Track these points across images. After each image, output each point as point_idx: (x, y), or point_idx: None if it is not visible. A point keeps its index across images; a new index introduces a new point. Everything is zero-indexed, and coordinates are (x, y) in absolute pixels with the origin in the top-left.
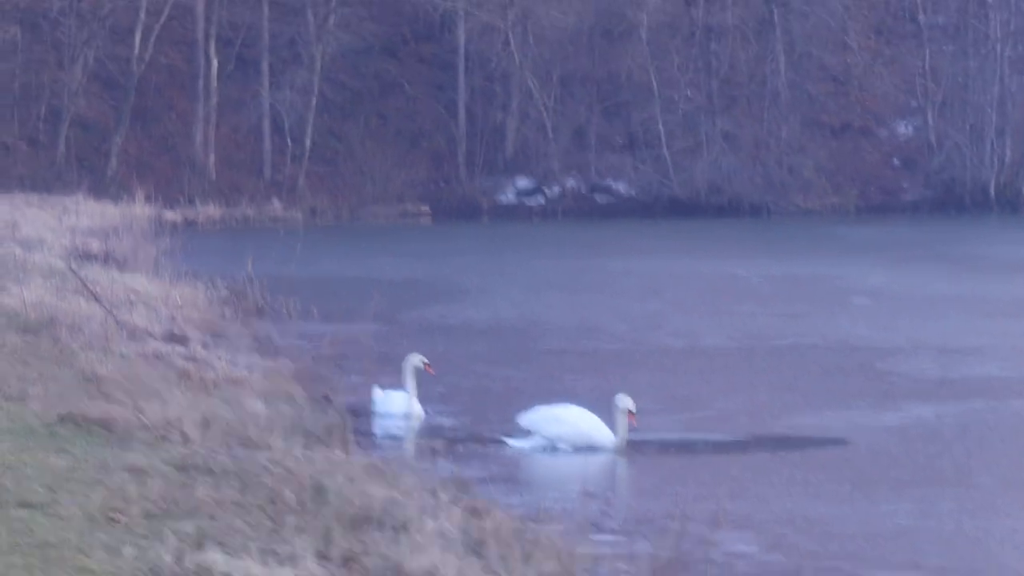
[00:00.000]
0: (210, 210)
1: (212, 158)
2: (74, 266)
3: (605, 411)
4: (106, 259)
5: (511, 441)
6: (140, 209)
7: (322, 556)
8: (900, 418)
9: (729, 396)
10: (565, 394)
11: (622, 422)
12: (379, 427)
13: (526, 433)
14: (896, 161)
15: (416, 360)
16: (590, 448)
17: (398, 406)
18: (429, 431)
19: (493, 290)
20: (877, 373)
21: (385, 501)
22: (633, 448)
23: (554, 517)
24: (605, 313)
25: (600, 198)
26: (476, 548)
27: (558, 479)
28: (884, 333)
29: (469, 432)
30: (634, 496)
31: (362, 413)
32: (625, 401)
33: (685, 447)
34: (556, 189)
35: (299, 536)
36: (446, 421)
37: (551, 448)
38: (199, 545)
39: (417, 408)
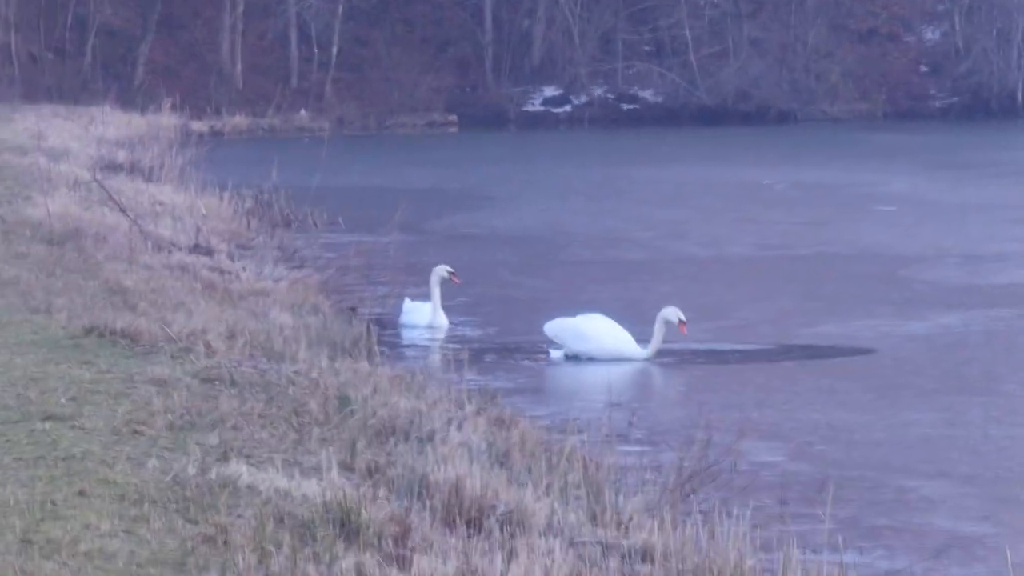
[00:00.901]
0: (237, 119)
1: (239, 67)
2: (99, 177)
3: (631, 321)
4: (132, 169)
5: (551, 352)
6: (166, 119)
7: (347, 467)
8: (926, 326)
9: (754, 305)
10: (590, 304)
11: (659, 333)
12: (405, 338)
13: (556, 344)
14: (923, 67)
15: (442, 271)
16: (617, 359)
17: (424, 317)
18: (455, 341)
19: (519, 199)
20: (902, 281)
21: (410, 412)
22: (659, 358)
23: (580, 428)
24: (630, 222)
25: (627, 106)
26: (501, 459)
27: (584, 390)
28: (909, 240)
29: (495, 342)
30: (660, 406)
31: (388, 324)
32: (673, 313)
33: (711, 357)
34: (583, 97)
35: (324, 447)
36: (472, 332)
37: (578, 359)
38: (223, 457)
39: (443, 319)
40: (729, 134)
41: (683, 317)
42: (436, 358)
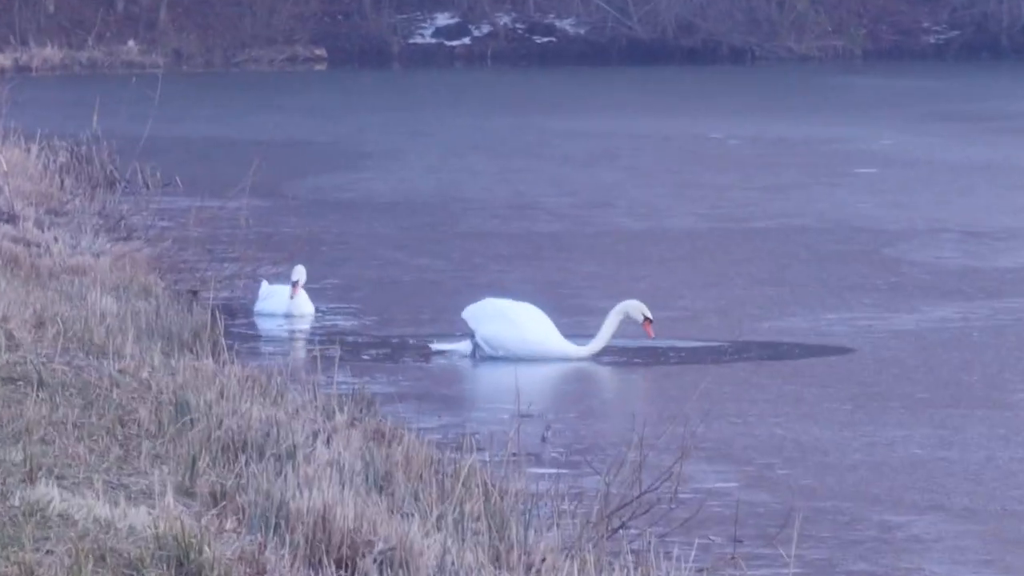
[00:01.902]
0: (48, 52)
1: None
2: None
3: (544, 309)
4: None
5: (436, 346)
6: None
7: (185, 492)
8: (916, 320)
9: (701, 292)
10: (492, 288)
11: (610, 329)
12: (260, 329)
13: (457, 337)
14: None
15: (300, 274)
16: (545, 359)
17: (284, 303)
18: (323, 334)
19: (404, 155)
20: (886, 262)
21: (266, 423)
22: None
23: (480, 444)
24: (545, 185)
25: (540, 39)
26: (381, 483)
27: (487, 396)
28: (896, 211)
29: (373, 335)
30: (582, 417)
31: (238, 312)
32: (637, 308)
33: (645, 356)
34: (485, 27)
35: (156, 466)
36: (344, 322)
37: (487, 356)
38: (29, 477)
39: (305, 305)
40: (669, 76)
41: (649, 314)
42: (299, 355)
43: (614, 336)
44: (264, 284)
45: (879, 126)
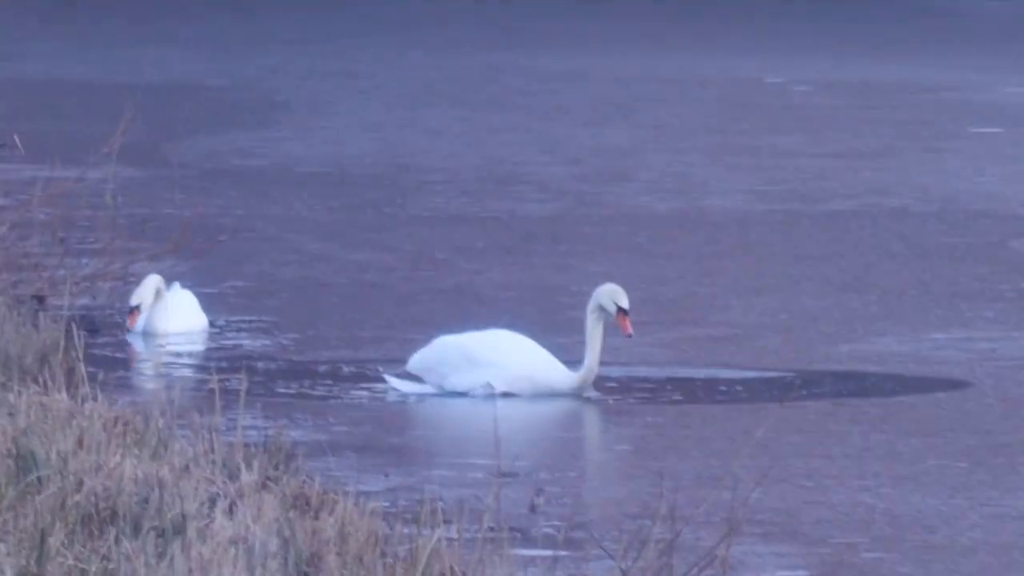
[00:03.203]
0: None
1: None
2: None
3: (534, 328)
4: None
5: (395, 383)
6: None
7: None
8: None
9: (754, 301)
10: (460, 293)
11: (597, 337)
12: (136, 352)
13: (411, 376)
14: None
15: (155, 284)
16: (523, 393)
17: (165, 318)
18: (224, 359)
19: (333, 107)
20: (1016, 261)
21: (144, 484)
22: (590, 390)
23: (448, 515)
24: (532, 150)
25: None
26: (305, 569)
27: (454, 446)
28: None
29: (293, 360)
30: (587, 477)
31: (104, 326)
32: (608, 295)
33: (675, 389)
34: None
35: None
36: (252, 342)
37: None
38: None
39: (196, 319)
40: None
41: (623, 302)
42: (189, 387)
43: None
44: (147, 283)
45: (1006, 68)
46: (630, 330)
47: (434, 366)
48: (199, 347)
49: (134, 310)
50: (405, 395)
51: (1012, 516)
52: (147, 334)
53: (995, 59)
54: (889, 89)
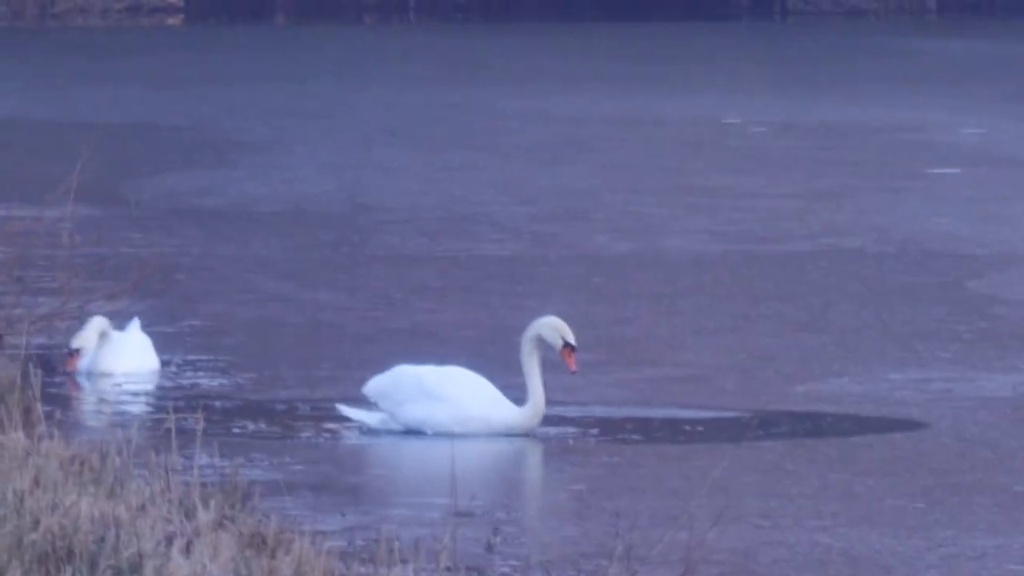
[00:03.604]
0: None
1: None
2: None
3: (488, 368)
4: None
5: (347, 411)
6: None
7: None
8: (1013, 382)
9: (711, 341)
10: (417, 335)
11: (534, 367)
12: (92, 391)
13: (364, 406)
14: None
15: (99, 326)
16: (485, 433)
17: (112, 358)
18: (181, 398)
19: (291, 146)
20: (973, 301)
21: (100, 523)
22: (544, 426)
23: (405, 554)
24: (490, 189)
25: None
26: None
27: (413, 486)
28: (985, 229)
29: (250, 399)
30: (546, 517)
31: (58, 365)
32: (551, 327)
33: (633, 430)
34: None
35: None
36: (210, 380)
37: (409, 430)
38: None
39: (146, 359)
40: (666, 35)
41: (569, 337)
42: (146, 426)
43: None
44: (92, 323)
45: (962, 109)
46: (575, 367)
47: (391, 394)
48: (155, 386)
49: (74, 353)
50: (357, 423)
51: (969, 556)
52: (92, 374)
53: (953, 100)
54: (846, 130)
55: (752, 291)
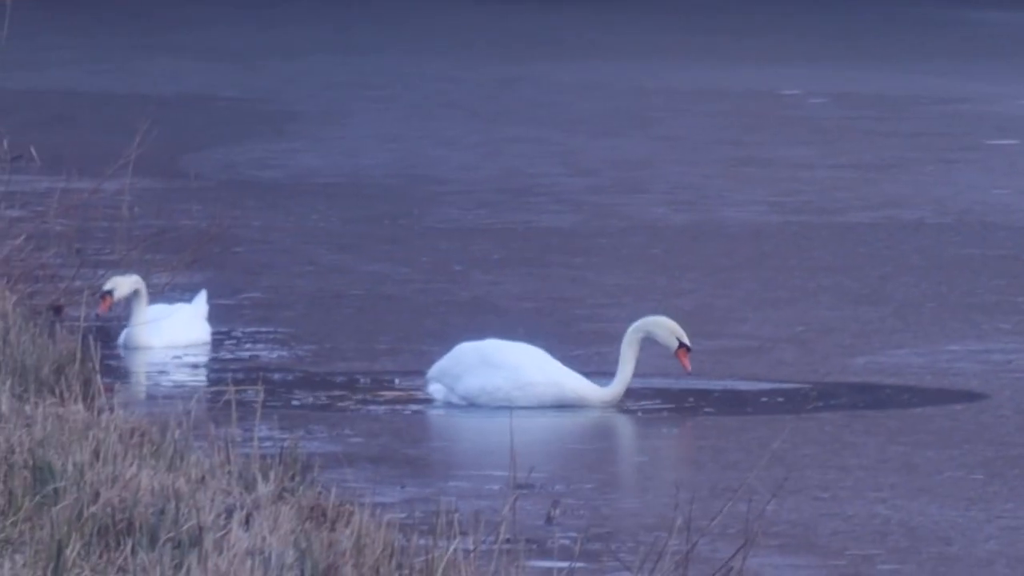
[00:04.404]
0: None
1: None
2: None
3: (550, 340)
4: None
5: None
6: None
7: None
8: None
9: (769, 313)
10: (476, 307)
11: (631, 359)
12: (151, 363)
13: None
14: None
15: (129, 287)
16: (559, 406)
17: (180, 329)
18: (240, 370)
19: (349, 117)
20: None
21: (160, 495)
22: (616, 406)
23: (464, 527)
24: (548, 161)
25: None
26: None
27: (472, 459)
28: None
29: (310, 372)
30: (604, 490)
31: (118, 338)
32: (666, 328)
33: (691, 403)
34: None
35: (6, 556)
36: (269, 353)
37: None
38: None
39: (193, 332)
40: (724, 6)
41: (684, 338)
42: (207, 399)
43: (636, 369)
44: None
45: (1018, 79)
46: (690, 367)
47: (452, 370)
48: (215, 359)
49: (106, 295)
50: (410, 395)
51: None
52: (128, 348)
53: (1007, 70)
54: (903, 101)
55: (810, 263)
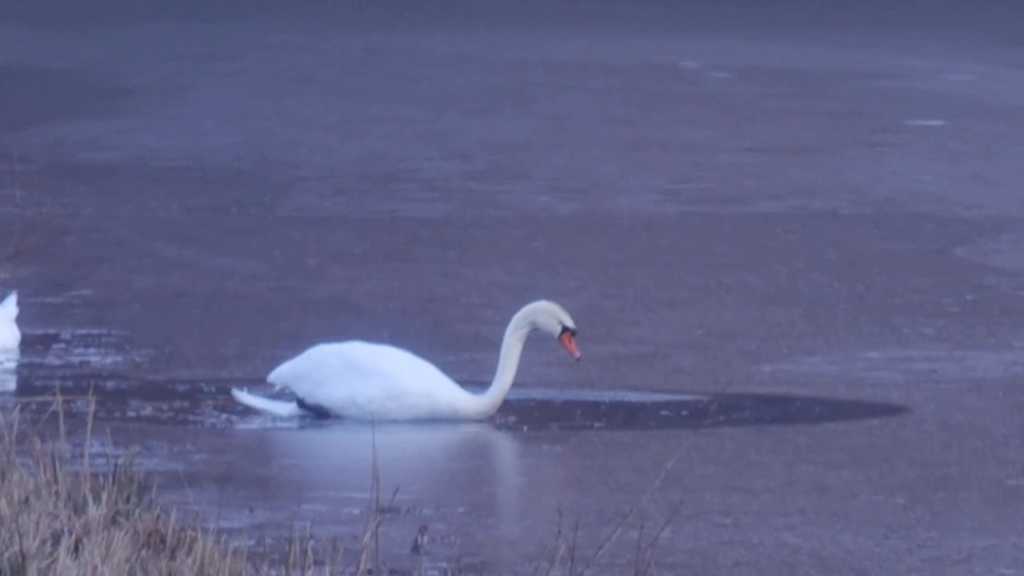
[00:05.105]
0: None
1: None
2: None
3: (416, 345)
4: None
5: (244, 397)
6: None
7: None
8: (1005, 362)
9: (666, 315)
10: (335, 305)
11: (514, 358)
12: None
13: (274, 392)
14: None
15: None
16: (428, 419)
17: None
18: (69, 376)
19: (191, 92)
20: (961, 269)
21: None
22: (492, 418)
23: (320, 555)
24: (417, 143)
25: None
26: None
27: (330, 479)
28: (974, 189)
29: (147, 379)
30: (478, 514)
31: None
32: (548, 313)
33: (577, 415)
34: None
35: None
36: (101, 358)
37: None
38: None
39: (4, 334)
40: None
41: (568, 321)
42: (29, 410)
43: (515, 377)
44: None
45: (948, 52)
46: (578, 353)
47: (309, 373)
48: (40, 364)
49: None
50: (256, 411)
51: (954, 559)
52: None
53: (938, 43)
54: (819, 76)
55: (712, 258)
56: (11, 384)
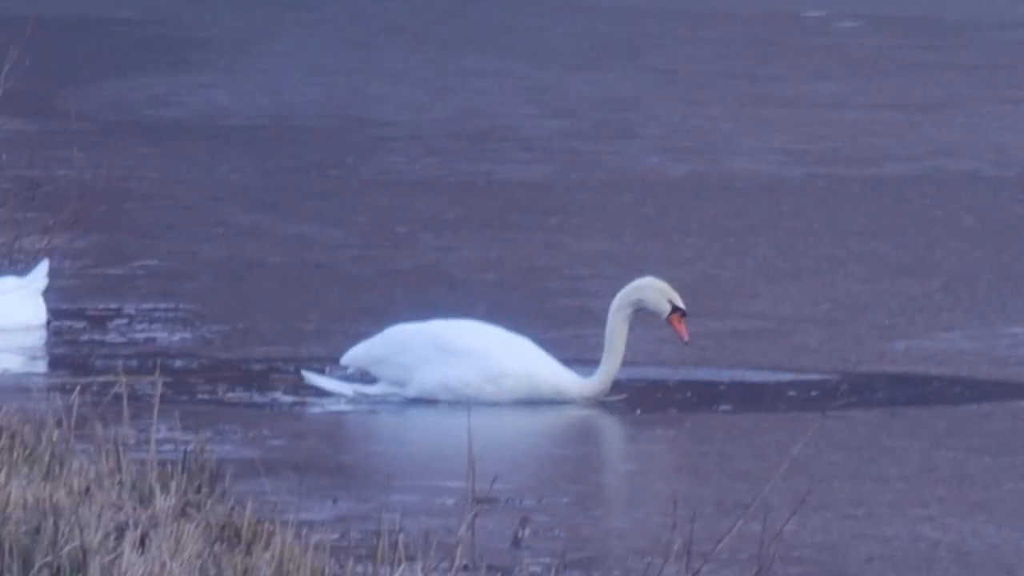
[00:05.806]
0: None
1: None
2: None
3: (517, 322)
4: None
5: (316, 379)
6: None
7: None
8: None
9: (789, 287)
10: (424, 278)
11: (620, 339)
12: (22, 347)
13: (351, 373)
14: None
15: None
16: (531, 401)
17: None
18: (133, 356)
19: (269, 45)
20: None
21: (35, 511)
22: (600, 401)
23: (411, 550)
24: (515, 99)
25: None
26: None
27: (421, 467)
28: None
29: (220, 360)
30: (584, 505)
31: None
32: (655, 291)
33: (693, 397)
34: None
35: None
36: (169, 335)
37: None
38: None
39: (26, 311)
40: None
41: (678, 301)
42: (90, 392)
43: (625, 355)
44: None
45: None
46: (688, 336)
47: (388, 357)
48: (102, 341)
49: None
50: (333, 397)
51: None
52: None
53: None
54: (957, 26)
55: (840, 225)
56: (68, 364)
